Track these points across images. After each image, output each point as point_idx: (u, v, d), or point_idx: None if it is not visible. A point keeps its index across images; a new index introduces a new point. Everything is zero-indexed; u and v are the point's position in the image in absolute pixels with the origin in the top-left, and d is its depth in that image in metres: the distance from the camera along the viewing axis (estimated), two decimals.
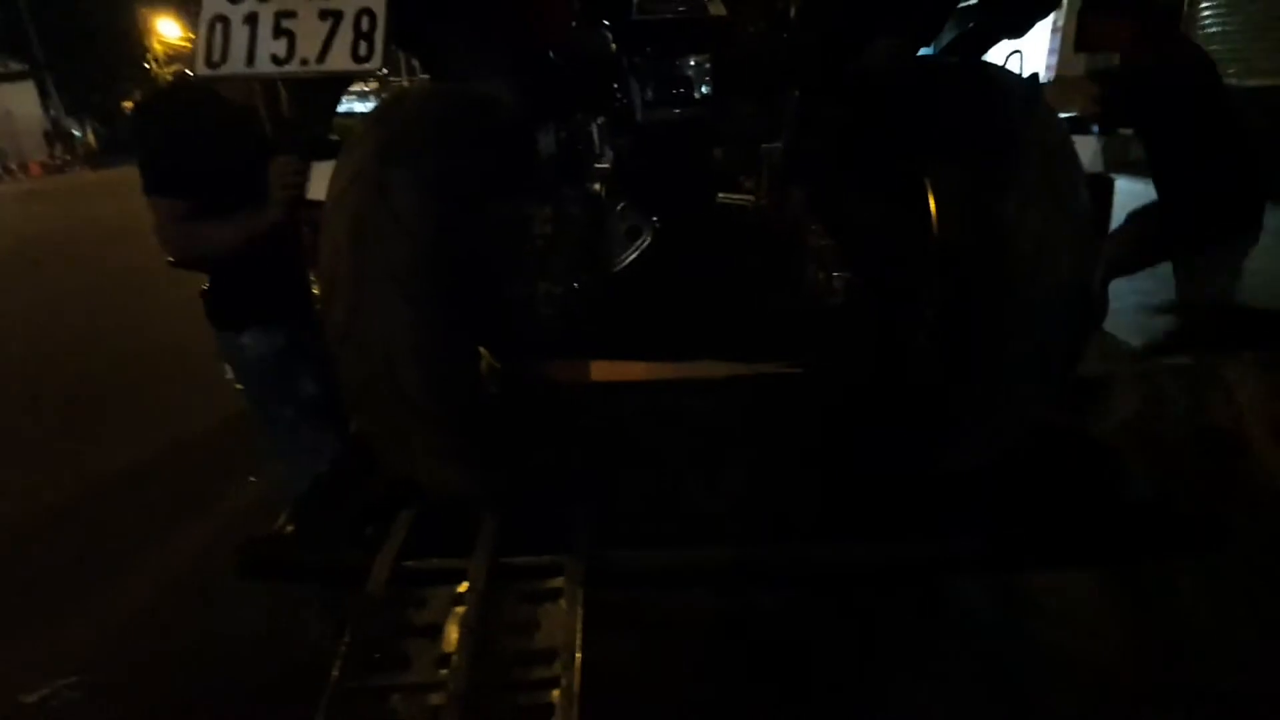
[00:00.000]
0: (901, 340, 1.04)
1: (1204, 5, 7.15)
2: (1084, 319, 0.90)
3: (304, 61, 0.71)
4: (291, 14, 0.71)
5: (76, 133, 26.02)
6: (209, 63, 0.72)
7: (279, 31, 0.71)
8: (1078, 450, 1.09)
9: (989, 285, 0.83)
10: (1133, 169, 7.44)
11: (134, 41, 31.74)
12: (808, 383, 1.25)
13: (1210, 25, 7.22)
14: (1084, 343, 0.91)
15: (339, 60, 0.70)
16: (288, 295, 1.46)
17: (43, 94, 26.36)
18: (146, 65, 33.33)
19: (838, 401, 1.16)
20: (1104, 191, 1.43)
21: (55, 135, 25.79)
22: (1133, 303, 3.80)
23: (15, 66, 25.25)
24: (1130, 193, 6.59)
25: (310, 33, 0.71)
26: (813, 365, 1.28)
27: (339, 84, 0.80)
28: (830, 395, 1.18)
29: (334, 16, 0.71)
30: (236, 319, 1.48)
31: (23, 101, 25.28)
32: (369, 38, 0.70)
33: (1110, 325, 3.19)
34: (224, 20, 0.72)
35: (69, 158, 23.55)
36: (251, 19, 0.71)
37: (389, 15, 0.70)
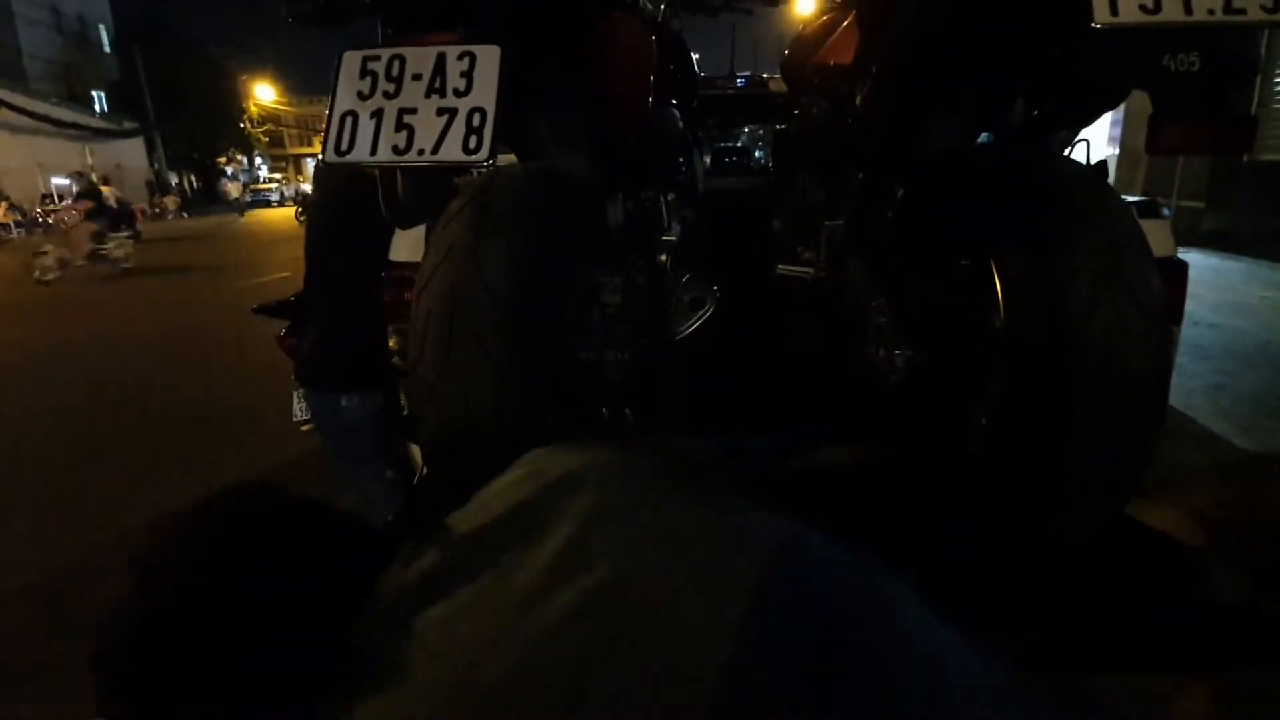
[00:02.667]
0: (961, 421, 1.03)
1: (1279, 77, 7.01)
2: (1161, 410, 0.88)
3: (420, 152, 0.80)
4: (413, 110, 0.81)
5: (175, 182, 28.41)
6: (338, 151, 0.81)
7: (400, 125, 0.80)
8: (1155, 542, 1.05)
9: (1057, 373, 0.83)
10: (1204, 242, 7.17)
11: (232, 103, 34.92)
12: (864, 458, 1.24)
13: None
14: (1160, 435, 0.89)
15: (451, 151, 0.79)
16: (382, 357, 1.54)
17: (149, 148, 29.04)
18: (242, 125, 36.48)
19: (897, 481, 1.15)
20: (1178, 276, 1.40)
21: (157, 185, 28.21)
22: (1211, 383, 3.62)
23: (129, 124, 27.98)
24: (1204, 267, 6.26)
25: (427, 127, 0.80)
26: (868, 440, 1.29)
27: (450, 172, 0.89)
28: (888, 474, 1.17)
29: (449, 113, 0.80)
30: (336, 381, 1.56)
31: (132, 155, 27.90)
32: (479, 132, 0.79)
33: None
34: (353, 115, 0.82)
35: (167, 206, 25.65)
36: (377, 114, 0.81)
37: (498, 112, 0.79)
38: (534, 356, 0.90)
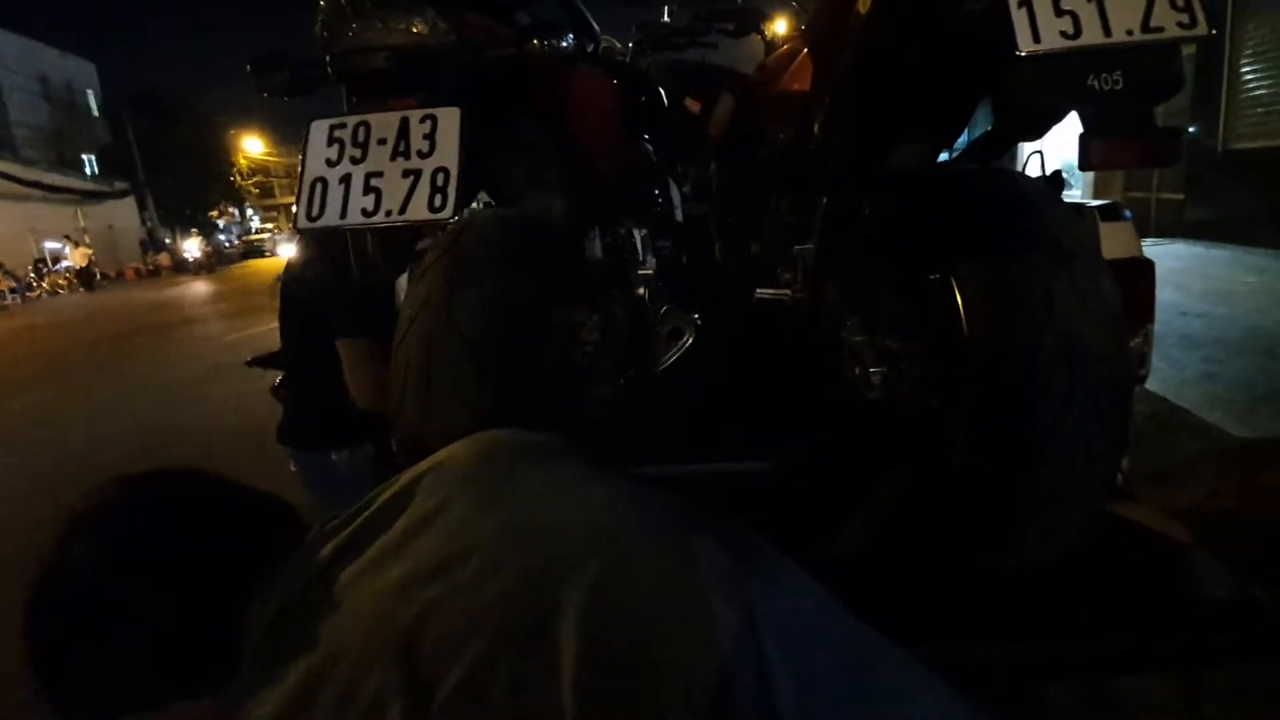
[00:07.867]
0: (942, 436, 1.05)
1: (1245, 66, 7.15)
2: (1124, 412, 0.90)
3: (388, 213, 0.83)
4: (379, 174, 0.84)
5: (168, 240, 28.67)
6: (309, 217, 0.85)
7: (368, 189, 0.84)
8: (1146, 542, 1.06)
9: (1016, 383, 0.85)
10: (1187, 233, 7.21)
11: (221, 158, 35.39)
12: (848, 478, 1.26)
13: (1254, 87, 7.18)
14: (1128, 436, 0.91)
15: (417, 211, 0.82)
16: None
17: (141, 207, 29.36)
18: (232, 179, 36.92)
19: (881, 497, 1.16)
20: (1144, 275, 1.43)
21: (149, 244, 28.46)
22: (1202, 371, 3.64)
23: (119, 185, 28.32)
24: (1188, 257, 6.27)
25: (394, 188, 0.84)
26: (851, 460, 1.31)
27: (417, 231, 0.93)
28: (872, 491, 1.18)
29: (414, 174, 0.83)
30: (324, 440, 1.57)
31: (124, 215, 28.20)
32: (443, 191, 0.82)
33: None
34: (323, 181, 0.85)
35: (160, 263, 25.86)
36: (346, 179, 0.84)
37: (460, 171, 0.83)
38: (512, 402, 0.92)
